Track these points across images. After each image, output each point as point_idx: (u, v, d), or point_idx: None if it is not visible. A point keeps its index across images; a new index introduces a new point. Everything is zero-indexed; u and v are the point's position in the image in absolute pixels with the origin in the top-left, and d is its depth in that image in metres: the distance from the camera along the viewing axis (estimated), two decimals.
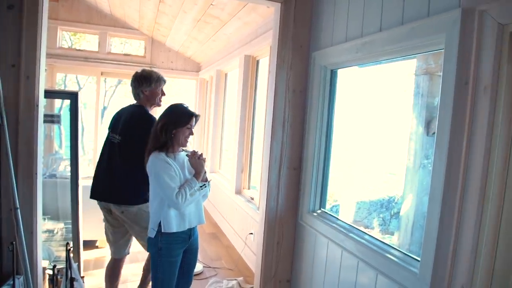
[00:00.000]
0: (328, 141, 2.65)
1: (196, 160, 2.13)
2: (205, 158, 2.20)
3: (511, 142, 1.39)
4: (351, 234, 2.20)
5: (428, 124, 3.31)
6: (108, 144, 2.53)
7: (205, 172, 2.22)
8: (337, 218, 2.45)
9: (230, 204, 4.54)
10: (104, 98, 13.22)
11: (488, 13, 1.42)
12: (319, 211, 2.65)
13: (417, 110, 3.27)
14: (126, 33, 6.46)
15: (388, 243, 2.02)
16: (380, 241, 2.04)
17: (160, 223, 2.03)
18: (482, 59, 1.44)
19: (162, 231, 2.03)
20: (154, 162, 2.01)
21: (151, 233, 2.08)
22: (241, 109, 4.22)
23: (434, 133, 3.65)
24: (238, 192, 4.31)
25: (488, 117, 1.39)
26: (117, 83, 13.19)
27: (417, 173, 3.23)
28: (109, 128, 2.59)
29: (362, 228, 2.40)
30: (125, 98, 13.58)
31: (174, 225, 2.04)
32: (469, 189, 1.46)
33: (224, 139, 5.71)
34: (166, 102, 2.46)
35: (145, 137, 2.13)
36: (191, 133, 2.13)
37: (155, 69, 2.98)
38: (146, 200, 2.33)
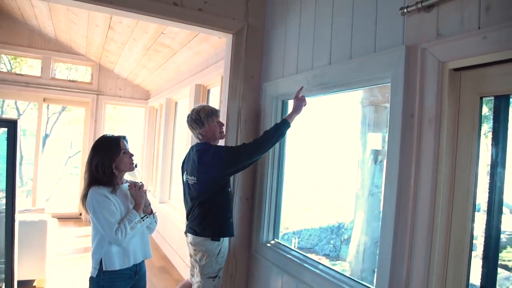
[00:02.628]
0: (280, 171, 2.65)
1: (136, 191, 2.03)
2: (145, 190, 2.10)
3: (455, 171, 1.47)
4: (305, 265, 2.18)
5: (375, 153, 3.46)
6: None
7: (150, 204, 2.13)
8: (291, 249, 2.42)
9: (180, 236, 4.35)
10: (46, 125, 12.50)
11: (429, 51, 1.52)
12: (272, 242, 2.60)
13: (364, 139, 3.41)
14: (72, 58, 6.21)
15: (342, 273, 2.01)
16: (335, 271, 2.03)
17: (101, 261, 1.90)
18: (426, 94, 1.52)
19: (104, 269, 1.89)
20: (93, 197, 1.89)
21: (93, 272, 1.93)
22: (191, 138, 4.14)
23: (381, 161, 3.85)
24: None
25: (434, 147, 1.47)
26: (61, 109, 12.53)
27: (367, 200, 3.33)
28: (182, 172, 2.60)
29: (313, 256, 2.39)
30: (69, 125, 12.91)
31: (116, 262, 1.91)
32: (418, 219, 1.51)
33: (174, 168, 5.55)
34: (114, 131, 2.34)
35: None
36: (131, 155, 2.04)
37: (204, 104, 2.85)
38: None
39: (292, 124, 2.29)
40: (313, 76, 2.20)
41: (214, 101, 4.18)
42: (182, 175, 2.56)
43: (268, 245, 2.57)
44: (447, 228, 1.45)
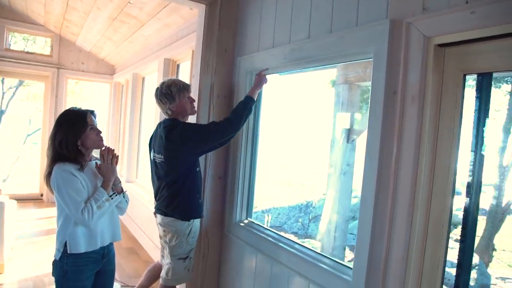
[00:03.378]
0: (254, 149, 2.58)
1: (108, 165, 1.89)
2: (117, 157, 1.96)
3: (436, 149, 1.44)
4: (281, 244, 2.14)
5: (348, 132, 3.46)
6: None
7: (120, 182, 2.00)
8: (265, 228, 2.38)
9: (148, 216, 4.23)
10: (2, 101, 11.72)
11: (414, 26, 1.47)
12: (246, 221, 2.55)
13: (337, 118, 3.39)
14: (29, 28, 5.75)
15: (318, 251, 1.99)
16: (312, 250, 2.01)
17: (66, 243, 1.77)
18: (410, 70, 1.48)
19: (68, 252, 1.77)
20: (58, 174, 1.74)
21: (56, 255, 1.81)
22: (160, 115, 3.97)
23: (353, 140, 3.87)
24: None
25: (416, 125, 1.43)
26: (17, 84, 11.77)
27: (338, 179, 3.34)
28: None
29: (282, 234, 2.38)
30: (27, 101, 12.18)
31: (82, 244, 1.79)
32: (399, 196, 1.49)
33: (141, 146, 5.35)
34: (76, 106, 2.16)
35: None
36: (99, 131, 1.88)
37: (174, 78, 2.64)
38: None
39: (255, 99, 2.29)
40: (290, 50, 2.11)
41: (184, 77, 4.01)
42: (150, 153, 2.44)
43: (242, 224, 2.52)
44: (427, 205, 1.44)
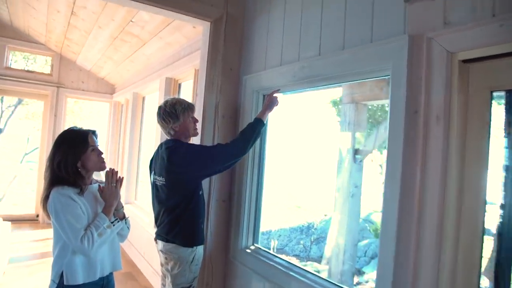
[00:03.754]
0: (260, 171, 2.46)
1: (111, 188, 1.76)
2: (122, 180, 1.84)
3: (465, 171, 1.33)
4: (291, 273, 2.00)
5: (355, 152, 3.36)
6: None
7: (122, 207, 1.87)
8: (274, 255, 2.24)
9: (148, 239, 4.07)
10: (0, 120, 11.64)
11: (436, 41, 1.38)
12: (252, 247, 2.41)
13: (344, 138, 3.29)
14: (30, 47, 5.71)
15: (333, 282, 1.85)
16: (325, 279, 1.87)
17: (62, 273, 1.62)
18: (433, 88, 1.38)
19: (65, 283, 1.62)
20: (56, 199, 1.61)
21: (51, 286, 1.66)
22: (161, 135, 3.87)
23: (361, 160, 3.76)
24: None
25: (442, 146, 1.33)
26: (16, 103, 11.71)
27: (346, 201, 3.21)
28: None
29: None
30: (26, 120, 12.09)
31: (80, 276, 1.64)
32: (425, 224, 1.36)
33: (140, 167, 5.23)
34: (76, 125, 2.05)
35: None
36: (100, 152, 1.77)
37: (177, 97, 2.53)
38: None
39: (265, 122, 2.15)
40: (300, 68, 2.02)
41: (186, 96, 3.93)
42: (150, 175, 2.32)
43: (248, 250, 2.38)
44: (456, 232, 1.32)
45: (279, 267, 2.10)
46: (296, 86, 2.11)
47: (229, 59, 2.56)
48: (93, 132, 1.79)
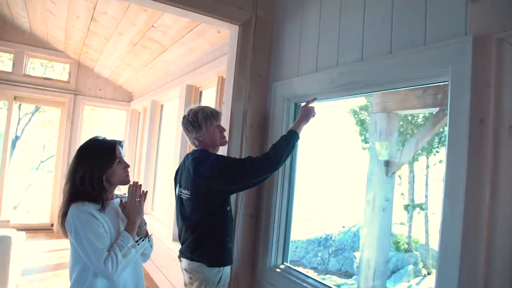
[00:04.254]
0: (291, 184, 2.30)
1: (134, 203, 1.60)
2: (146, 194, 1.68)
3: None
4: None
5: (387, 164, 3.18)
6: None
7: (145, 224, 1.71)
8: (307, 275, 2.07)
9: (166, 253, 3.92)
10: (17, 127, 11.74)
11: (509, 42, 1.21)
12: (282, 266, 2.24)
13: (375, 149, 3.12)
14: (48, 54, 5.69)
15: None
16: None
17: None
18: (504, 94, 1.21)
19: None
20: (75, 216, 1.46)
21: None
22: (181, 144, 3.74)
23: (393, 173, 3.57)
24: (176, 238, 3.73)
25: None
26: (34, 110, 11.81)
27: (378, 216, 3.03)
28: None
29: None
30: (42, 127, 12.17)
31: None
32: (495, 249, 1.18)
33: (157, 177, 5.11)
34: (92, 134, 1.92)
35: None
36: (127, 165, 1.63)
37: (203, 105, 2.40)
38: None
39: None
40: (339, 74, 1.87)
41: (207, 104, 3.81)
42: (175, 188, 2.17)
43: (278, 270, 2.20)
44: None
45: None
46: (334, 94, 1.96)
47: (257, 65, 2.42)
48: (120, 143, 1.65)
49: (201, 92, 3.83)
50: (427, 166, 9.25)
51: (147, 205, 4.90)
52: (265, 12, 2.44)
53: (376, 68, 1.68)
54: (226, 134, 2.25)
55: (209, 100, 3.78)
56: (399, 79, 1.60)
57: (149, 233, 1.71)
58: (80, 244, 1.44)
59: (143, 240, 1.60)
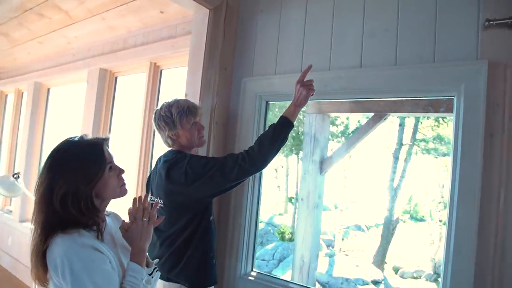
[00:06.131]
0: (260, 184, 2.21)
1: (140, 224, 1.21)
2: (156, 204, 1.34)
3: None
4: None
5: (321, 163, 3.35)
6: None
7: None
8: (288, 281, 2.03)
9: None
10: None
11: None
12: (254, 274, 2.14)
13: (309, 149, 3.26)
14: None
15: None
16: None
17: None
18: None
19: None
20: (72, 253, 1.03)
21: None
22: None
23: (325, 172, 3.78)
24: None
25: None
26: None
27: (311, 213, 3.17)
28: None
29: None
30: None
31: None
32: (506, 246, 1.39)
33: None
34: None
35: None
36: (121, 171, 1.23)
37: (179, 98, 1.84)
38: None
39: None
40: (334, 78, 1.88)
41: (125, 92, 3.34)
42: (147, 197, 1.83)
43: (250, 278, 2.10)
44: None
45: None
46: (326, 96, 1.96)
47: (225, 56, 2.23)
48: (106, 140, 1.22)
49: (116, 78, 3.33)
50: (297, 163, 10.21)
51: (25, 211, 4.01)
52: None
53: (379, 76, 1.75)
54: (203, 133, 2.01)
55: (126, 87, 3.33)
56: (404, 90, 1.71)
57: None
58: None
59: (156, 271, 1.25)
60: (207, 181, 1.64)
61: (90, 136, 1.21)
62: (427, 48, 1.65)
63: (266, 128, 2.18)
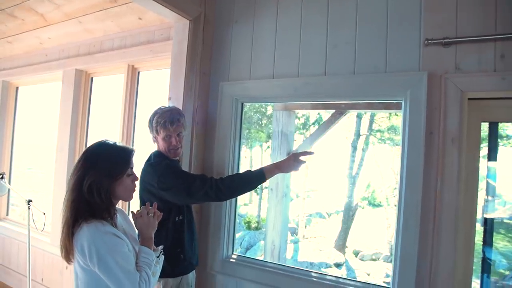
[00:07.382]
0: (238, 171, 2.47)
1: (147, 217, 1.52)
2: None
3: (477, 186, 1.78)
4: (292, 274, 2.13)
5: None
6: None
7: None
8: (262, 260, 2.32)
9: (51, 265, 3.40)
10: None
11: (451, 81, 1.79)
12: (234, 256, 2.41)
13: (277, 143, 3.54)
14: None
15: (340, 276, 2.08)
16: (330, 275, 2.08)
17: None
18: (448, 116, 1.78)
19: None
20: (98, 239, 1.29)
21: None
22: (69, 142, 3.27)
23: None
24: None
25: (457, 162, 1.74)
26: None
27: (280, 202, 3.47)
28: None
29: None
30: None
31: None
32: (441, 221, 1.75)
33: (12, 172, 4.23)
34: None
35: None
36: (135, 178, 1.49)
37: (168, 108, 2.06)
38: None
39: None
40: (303, 84, 2.16)
41: (102, 93, 3.46)
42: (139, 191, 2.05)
43: (232, 260, 2.36)
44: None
45: (275, 270, 2.19)
46: (296, 99, 2.24)
47: (203, 62, 2.46)
48: (133, 151, 1.51)
49: (92, 78, 3.43)
50: (261, 154, 10.57)
51: (1, 209, 4.03)
52: (210, 10, 2.48)
53: (341, 83, 2.06)
54: (179, 144, 2.15)
55: (102, 88, 3.45)
56: (362, 95, 2.03)
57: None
58: (108, 272, 1.29)
59: (162, 254, 1.54)
60: (172, 193, 1.89)
61: (122, 143, 1.50)
62: (380, 60, 1.97)
63: (242, 129, 2.46)
